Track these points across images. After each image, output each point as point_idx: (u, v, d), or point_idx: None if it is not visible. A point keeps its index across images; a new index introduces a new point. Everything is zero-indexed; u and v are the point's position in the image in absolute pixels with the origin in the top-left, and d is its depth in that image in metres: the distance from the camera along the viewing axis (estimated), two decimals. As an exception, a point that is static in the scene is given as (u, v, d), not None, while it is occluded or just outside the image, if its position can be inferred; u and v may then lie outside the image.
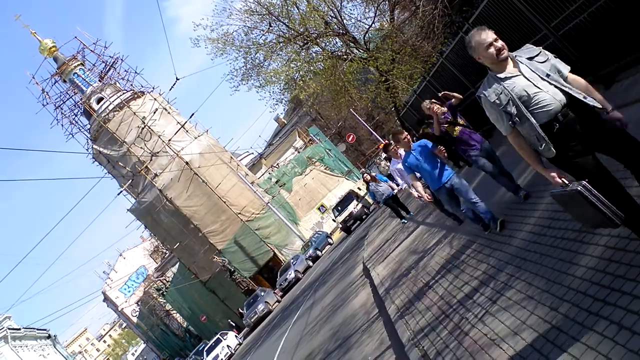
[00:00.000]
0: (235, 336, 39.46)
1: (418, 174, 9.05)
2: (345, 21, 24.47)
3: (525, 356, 4.27)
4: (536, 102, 3.91)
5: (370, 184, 18.75)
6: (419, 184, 9.21)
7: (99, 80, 53.96)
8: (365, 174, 19.90)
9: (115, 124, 49.76)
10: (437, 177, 8.57)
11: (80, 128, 52.22)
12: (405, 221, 17.21)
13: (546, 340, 4.18)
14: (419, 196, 9.67)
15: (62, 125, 52.91)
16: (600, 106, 3.87)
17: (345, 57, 24.53)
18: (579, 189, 3.59)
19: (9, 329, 33.44)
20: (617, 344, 3.45)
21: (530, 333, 4.48)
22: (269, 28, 24.31)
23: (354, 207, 38.70)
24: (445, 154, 8.73)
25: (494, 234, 7.71)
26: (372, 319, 9.91)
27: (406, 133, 9.56)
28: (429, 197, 9.55)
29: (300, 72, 25.51)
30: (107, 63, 53.16)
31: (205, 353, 37.04)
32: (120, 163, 49.78)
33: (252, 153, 71.86)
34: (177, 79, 49.76)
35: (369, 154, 70.19)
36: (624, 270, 4.06)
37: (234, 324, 46.70)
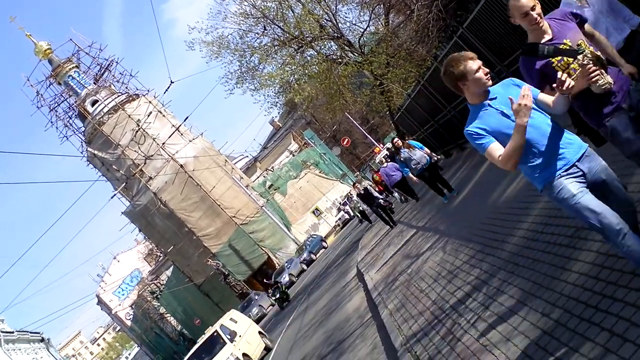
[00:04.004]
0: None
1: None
2: (340, 25, 24.53)
3: (517, 363, 4.26)
4: None
5: (402, 150, 15.43)
6: None
7: (94, 83, 53.92)
8: (395, 139, 16.52)
9: (110, 126, 49.69)
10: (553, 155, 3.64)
11: (75, 131, 52.13)
12: (446, 200, 13.80)
13: (538, 347, 4.16)
14: None
15: (56, 127, 53.03)
16: None
17: (340, 60, 24.58)
18: None
19: (2, 332, 33.25)
20: (609, 351, 3.43)
21: (522, 339, 4.46)
22: (263, 31, 24.34)
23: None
24: None
25: (488, 238, 7.68)
26: (366, 324, 9.90)
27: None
28: None
29: (295, 76, 25.55)
30: (102, 65, 53.17)
31: (199, 356, 36.84)
32: (114, 166, 49.68)
33: (247, 156, 71.82)
34: (171, 82, 49.33)
35: (364, 158, 70.28)
36: (616, 277, 4.04)
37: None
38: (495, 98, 3.77)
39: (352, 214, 46.40)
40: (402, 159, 15.35)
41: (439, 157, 15.57)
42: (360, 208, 28.23)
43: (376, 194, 20.60)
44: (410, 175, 15.13)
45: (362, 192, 20.69)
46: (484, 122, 3.75)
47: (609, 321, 3.68)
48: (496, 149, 3.67)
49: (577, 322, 4.00)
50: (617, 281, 4.00)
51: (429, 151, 14.94)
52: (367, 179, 34.36)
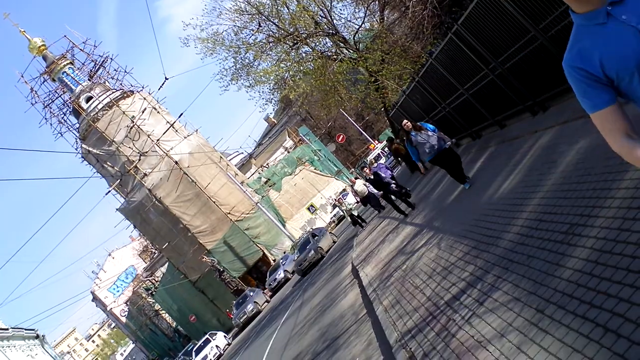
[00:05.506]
0: (224, 336, 39.39)
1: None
2: (335, 21, 24.49)
3: (512, 358, 4.26)
4: None
5: (412, 133, 13.40)
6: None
7: (89, 79, 53.72)
8: (405, 122, 13.77)
9: (105, 123, 49.53)
10: None
11: (69, 127, 52.02)
12: (468, 186, 12.14)
13: (532, 342, 4.17)
14: None
15: (51, 124, 52.84)
16: None
17: (335, 57, 24.55)
18: None
19: (-4, 329, 33.24)
20: (603, 346, 3.44)
21: (516, 335, 4.47)
22: (258, 28, 24.30)
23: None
24: None
25: (482, 234, 7.69)
26: (360, 320, 9.90)
27: None
28: None
29: (290, 72, 25.53)
30: (97, 62, 52.99)
31: (194, 353, 36.96)
32: (109, 162, 49.55)
33: (242, 153, 71.77)
34: (166, 78, 49.78)
35: (359, 154, 70.32)
36: (610, 273, 4.05)
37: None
38: (619, 2, 2.02)
39: (344, 215, 45.68)
40: (413, 144, 13.46)
41: (453, 140, 13.90)
42: (359, 207, 28.03)
43: (388, 179, 18.10)
44: (419, 164, 13.93)
45: (372, 177, 18.47)
46: (599, 48, 2.06)
47: (603, 317, 3.69)
48: (610, 116, 2.11)
49: (571, 318, 4.01)
50: (611, 277, 4.01)
51: (442, 134, 13.36)
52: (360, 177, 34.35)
